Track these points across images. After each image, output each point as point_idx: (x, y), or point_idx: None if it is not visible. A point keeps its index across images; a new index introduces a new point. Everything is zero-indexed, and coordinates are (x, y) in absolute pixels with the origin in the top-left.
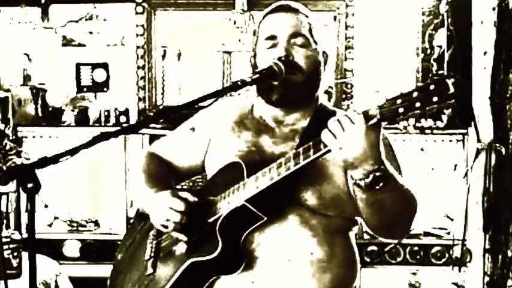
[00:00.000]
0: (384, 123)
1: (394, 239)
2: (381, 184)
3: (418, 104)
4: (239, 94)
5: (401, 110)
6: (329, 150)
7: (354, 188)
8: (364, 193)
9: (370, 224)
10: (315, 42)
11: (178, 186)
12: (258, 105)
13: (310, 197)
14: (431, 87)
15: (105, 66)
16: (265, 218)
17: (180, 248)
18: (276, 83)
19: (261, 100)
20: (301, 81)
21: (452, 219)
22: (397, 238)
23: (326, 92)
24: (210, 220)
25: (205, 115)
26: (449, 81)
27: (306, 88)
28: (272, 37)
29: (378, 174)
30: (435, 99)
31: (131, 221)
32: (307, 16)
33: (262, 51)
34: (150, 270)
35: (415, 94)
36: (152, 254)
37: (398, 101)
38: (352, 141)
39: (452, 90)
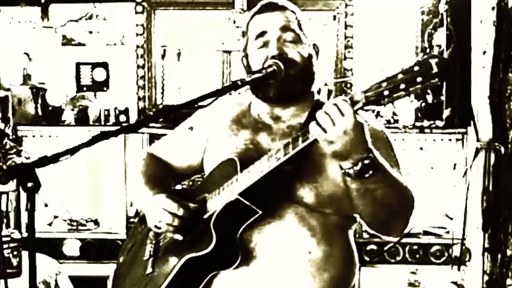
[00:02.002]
0: (383, 122)
1: (391, 235)
2: (370, 172)
3: (402, 86)
4: (239, 93)
5: (386, 92)
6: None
7: (344, 179)
8: (354, 182)
9: (365, 218)
10: (305, 36)
11: (179, 186)
12: (255, 103)
13: (307, 195)
14: (415, 68)
15: (105, 65)
16: (260, 212)
17: (177, 246)
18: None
19: (258, 98)
20: (296, 76)
21: (451, 218)
22: (394, 235)
23: (327, 90)
24: (205, 217)
25: (203, 114)
26: (433, 61)
27: (302, 82)
28: (262, 33)
29: (366, 162)
30: (419, 79)
31: (131, 220)
32: (294, 12)
33: (253, 51)
34: (149, 270)
35: (399, 76)
36: (151, 254)
37: (383, 84)
38: (342, 136)
39: (436, 69)
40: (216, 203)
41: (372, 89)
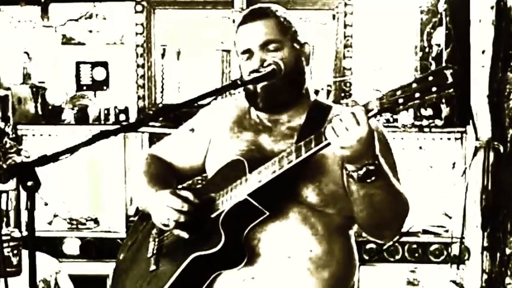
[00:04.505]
0: (382, 121)
1: (382, 239)
2: (373, 178)
3: (417, 95)
4: (239, 92)
5: (400, 100)
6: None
7: (347, 180)
8: (356, 185)
9: (359, 220)
10: (292, 40)
11: (179, 187)
12: None
13: (310, 194)
14: (430, 78)
15: (104, 64)
16: (268, 213)
17: (183, 244)
18: (259, 89)
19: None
20: (281, 84)
21: (450, 217)
22: (384, 239)
23: (326, 90)
24: (213, 216)
25: (204, 116)
26: (448, 72)
27: (289, 88)
28: (246, 51)
29: (371, 168)
30: (434, 89)
31: (131, 219)
32: (277, 16)
33: (241, 63)
34: (153, 267)
35: (414, 85)
36: (155, 252)
37: (398, 93)
38: (355, 143)
39: (450, 80)
40: (224, 202)
41: (386, 96)
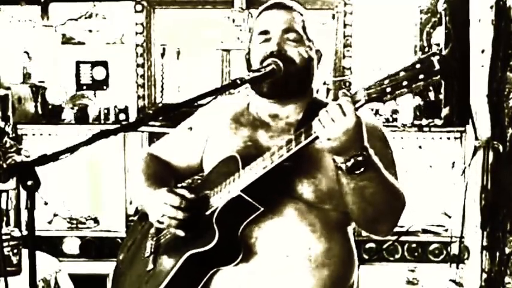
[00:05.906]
0: (382, 121)
1: (378, 234)
2: (362, 169)
3: (404, 83)
4: (238, 92)
5: (388, 89)
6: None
7: (336, 173)
8: (345, 177)
9: (353, 214)
10: (308, 39)
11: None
12: (253, 102)
13: (306, 190)
14: (417, 65)
15: (104, 64)
16: (262, 209)
17: (179, 243)
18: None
19: (256, 96)
20: (292, 74)
21: (450, 217)
22: (380, 234)
23: (326, 89)
24: (207, 213)
25: (202, 114)
26: (435, 59)
27: (298, 81)
28: (265, 32)
29: (359, 158)
30: (421, 76)
31: (131, 218)
32: (301, 14)
33: (255, 45)
34: (150, 266)
35: (401, 74)
36: (152, 251)
37: (386, 82)
38: (341, 134)
39: (437, 66)
40: (218, 199)
41: (373, 86)
